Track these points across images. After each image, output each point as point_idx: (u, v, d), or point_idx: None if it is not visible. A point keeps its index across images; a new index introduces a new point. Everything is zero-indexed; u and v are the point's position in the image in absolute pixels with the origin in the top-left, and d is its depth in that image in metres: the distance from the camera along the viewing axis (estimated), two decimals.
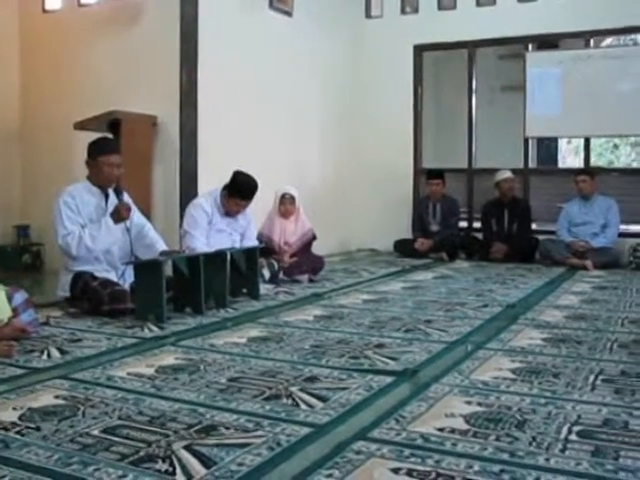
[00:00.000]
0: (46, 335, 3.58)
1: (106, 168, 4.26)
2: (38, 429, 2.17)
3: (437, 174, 7.80)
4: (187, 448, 2.01)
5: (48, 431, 2.16)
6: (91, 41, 6.26)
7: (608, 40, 9.54)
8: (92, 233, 4.17)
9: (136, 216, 4.50)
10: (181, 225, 5.11)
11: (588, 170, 7.50)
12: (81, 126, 5.59)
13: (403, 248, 7.74)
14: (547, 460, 1.92)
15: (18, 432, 2.15)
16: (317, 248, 6.10)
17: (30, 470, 1.86)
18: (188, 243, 4.88)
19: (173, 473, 1.84)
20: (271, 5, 6.94)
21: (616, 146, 15.49)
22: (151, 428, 2.19)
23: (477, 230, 7.95)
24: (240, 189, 4.98)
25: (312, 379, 2.75)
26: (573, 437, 2.09)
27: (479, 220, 7.89)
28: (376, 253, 8.19)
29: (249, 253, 4.82)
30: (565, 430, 2.15)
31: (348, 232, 8.46)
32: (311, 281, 5.60)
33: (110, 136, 5.25)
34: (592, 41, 7.80)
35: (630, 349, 3.28)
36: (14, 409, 2.37)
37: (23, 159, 6.78)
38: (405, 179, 8.42)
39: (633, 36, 9.27)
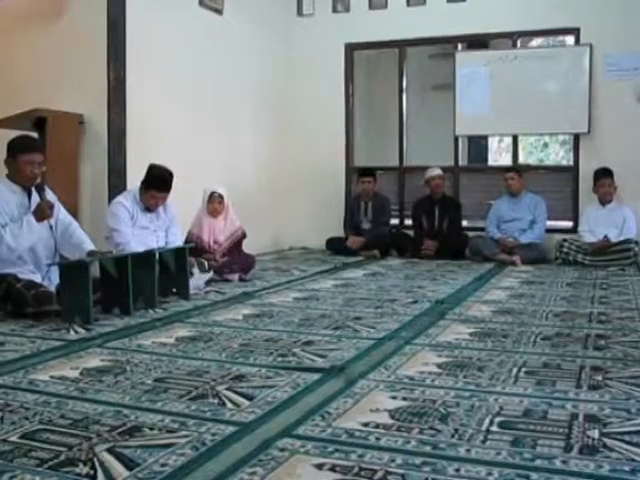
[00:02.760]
0: None
1: (27, 167, 4.17)
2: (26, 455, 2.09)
3: (368, 172, 7.86)
4: (109, 450, 1.98)
5: None
6: (13, 36, 6.08)
7: (536, 41, 9.76)
8: (14, 232, 4.07)
9: (61, 214, 4.41)
10: None
11: (516, 168, 7.67)
12: (4, 124, 5.43)
13: (335, 246, 7.77)
14: (468, 451, 1.95)
15: None
16: (249, 247, 6.07)
17: None
18: (118, 240, 4.81)
19: (94, 477, 1.81)
20: (201, 2, 6.88)
21: (546, 145, 15.86)
22: (73, 431, 2.14)
23: (408, 227, 8.04)
24: (155, 181, 4.93)
25: (239, 378, 2.74)
26: (494, 428, 2.13)
27: (410, 217, 7.98)
28: (308, 251, 8.21)
29: (178, 252, 4.78)
30: (487, 421, 2.19)
31: (280, 230, 8.45)
32: (242, 280, 5.58)
33: (35, 134, 5.14)
34: (519, 42, 7.97)
35: (553, 341, 3.37)
36: None
37: None
38: (337, 177, 8.46)
39: (561, 37, 9.52)
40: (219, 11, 7.15)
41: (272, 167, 8.24)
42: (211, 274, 5.35)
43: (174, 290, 4.73)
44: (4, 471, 1.84)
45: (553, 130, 8.45)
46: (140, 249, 4.59)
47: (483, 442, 2.02)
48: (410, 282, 5.56)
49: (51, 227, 4.25)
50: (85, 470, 1.84)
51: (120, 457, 1.93)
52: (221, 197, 5.70)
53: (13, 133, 4.75)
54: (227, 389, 2.58)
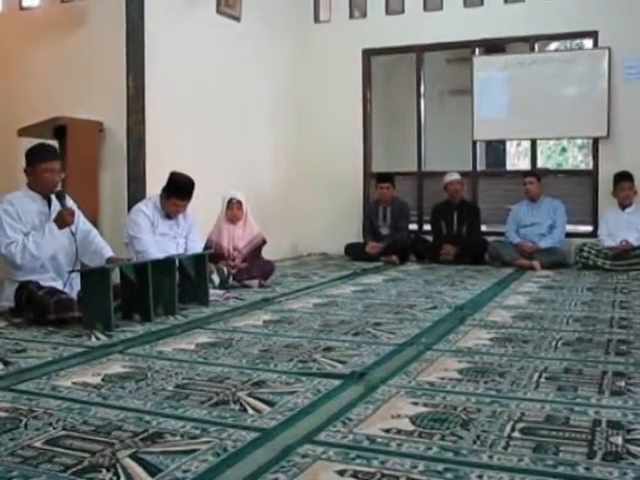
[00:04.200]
0: None
1: (46, 174, 4.21)
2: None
3: (387, 177, 7.85)
4: (132, 456, 1.99)
5: None
6: (34, 45, 6.16)
7: (553, 45, 9.73)
8: (36, 240, 4.11)
9: (82, 222, 4.45)
10: None
11: (535, 172, 7.64)
12: (25, 133, 5.51)
13: (354, 252, 7.77)
14: (490, 457, 1.94)
15: None
16: (268, 253, 6.09)
17: None
18: (138, 247, 4.84)
19: None
20: (218, 10, 6.91)
21: (564, 149, 15.79)
22: (96, 437, 2.15)
23: (427, 232, 8.02)
24: (177, 189, 4.95)
25: (260, 384, 2.75)
26: (516, 434, 2.13)
27: (429, 222, 7.96)
28: (327, 257, 8.21)
29: (198, 259, 4.80)
30: (508, 428, 2.18)
31: (299, 236, 8.47)
32: (261, 286, 5.59)
33: (55, 143, 5.19)
34: (537, 46, 7.94)
35: (574, 347, 3.35)
36: None
37: None
38: (355, 183, 8.47)
39: (578, 41, 9.48)
40: (236, 18, 7.18)
41: (290, 173, 8.26)
42: (231, 280, 5.39)
43: (194, 296, 4.75)
44: (30, 476, 1.86)
45: (572, 134, 8.40)
46: (160, 256, 4.62)
47: (505, 448, 2.01)
48: (429, 287, 5.55)
49: (72, 234, 4.28)
50: (108, 476, 1.86)
51: (143, 463, 1.94)
52: (240, 203, 5.72)
53: (35, 142, 4.80)
54: (248, 395, 2.58)
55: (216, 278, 5.23)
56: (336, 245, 8.11)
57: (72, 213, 4.26)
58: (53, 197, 4.28)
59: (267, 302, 4.88)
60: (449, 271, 6.65)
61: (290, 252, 8.20)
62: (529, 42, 7.88)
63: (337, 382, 2.75)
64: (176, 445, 2.08)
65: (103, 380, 2.84)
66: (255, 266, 5.69)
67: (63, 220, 4.19)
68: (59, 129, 5.44)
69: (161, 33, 6.00)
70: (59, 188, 4.33)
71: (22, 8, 6.38)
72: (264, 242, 5.87)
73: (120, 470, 1.89)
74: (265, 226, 6.08)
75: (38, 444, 2.10)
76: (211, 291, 4.88)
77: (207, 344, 3.52)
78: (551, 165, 15.05)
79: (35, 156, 4.26)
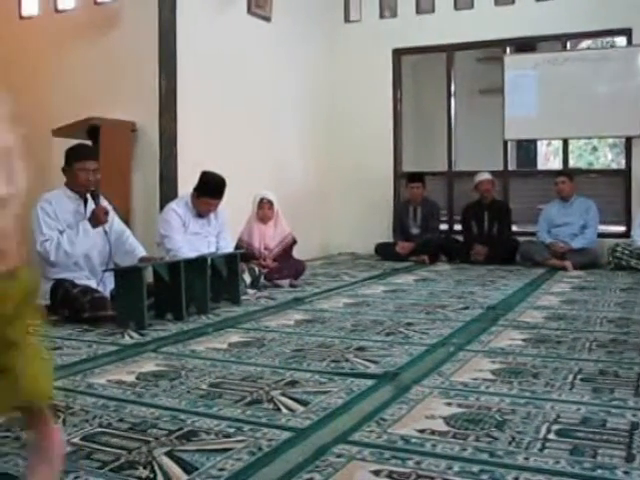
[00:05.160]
0: None
1: (82, 174, 4.27)
2: (17, 439, 2.16)
3: (417, 177, 7.82)
4: (168, 454, 2.01)
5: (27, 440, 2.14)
6: (69, 47, 6.24)
7: (585, 43, 9.63)
8: (70, 238, 4.17)
9: (115, 222, 4.51)
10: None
11: (567, 172, 7.58)
12: (60, 133, 5.57)
13: (384, 251, 7.76)
14: (526, 459, 1.93)
15: None
16: (298, 252, 6.10)
17: (7, 479, 1.85)
18: (170, 246, 4.88)
19: (154, 479, 1.84)
20: (249, 10, 6.94)
21: (595, 148, 15.63)
22: (132, 435, 2.18)
23: (458, 232, 7.98)
24: (209, 188, 4.99)
25: (293, 383, 2.76)
26: (552, 436, 2.11)
27: (459, 222, 7.92)
28: (357, 257, 8.21)
29: (230, 258, 4.82)
30: (544, 429, 2.17)
31: (329, 236, 8.47)
32: (292, 286, 5.60)
33: (89, 142, 5.24)
34: (569, 44, 7.87)
35: (608, 348, 3.32)
36: None
37: None
38: (385, 182, 8.45)
39: (609, 39, 9.38)
40: (267, 18, 7.21)
41: (321, 173, 8.27)
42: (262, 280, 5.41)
43: (225, 295, 4.77)
44: (69, 471, 1.89)
45: (604, 133, 8.30)
46: (191, 255, 4.65)
47: (541, 450, 2.00)
48: (460, 288, 5.53)
49: (106, 233, 4.34)
50: (145, 473, 1.88)
51: (178, 461, 1.96)
52: (271, 203, 5.74)
53: (69, 141, 4.86)
54: (281, 394, 2.60)
55: (247, 277, 5.25)
56: (366, 245, 8.10)
57: (106, 212, 4.31)
58: (89, 196, 4.34)
59: (298, 301, 4.89)
60: (480, 271, 6.61)
61: (320, 252, 8.21)
62: (561, 40, 7.81)
63: (370, 382, 2.76)
64: (211, 443, 2.10)
65: (137, 378, 2.88)
66: (286, 266, 5.71)
67: (97, 219, 4.25)
68: (92, 129, 5.49)
69: (193, 34, 6.04)
70: (94, 188, 4.38)
71: (57, 11, 6.45)
72: (294, 242, 5.88)
73: (156, 467, 1.92)
74: (295, 226, 6.10)
75: (76, 440, 2.14)
76: (242, 290, 4.91)
77: (240, 343, 3.54)
78: (582, 164, 14.90)
79: (73, 156, 4.33)
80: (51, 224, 4.19)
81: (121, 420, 2.33)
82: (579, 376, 2.81)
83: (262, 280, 5.48)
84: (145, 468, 1.91)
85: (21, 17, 6.67)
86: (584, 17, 7.47)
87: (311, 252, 7.64)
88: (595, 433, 2.13)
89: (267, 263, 5.62)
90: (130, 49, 5.88)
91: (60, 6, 6.43)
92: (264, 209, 5.72)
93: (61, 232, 4.20)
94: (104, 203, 4.40)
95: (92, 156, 4.43)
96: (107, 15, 6.05)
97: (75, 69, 6.16)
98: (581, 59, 7.72)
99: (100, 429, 2.24)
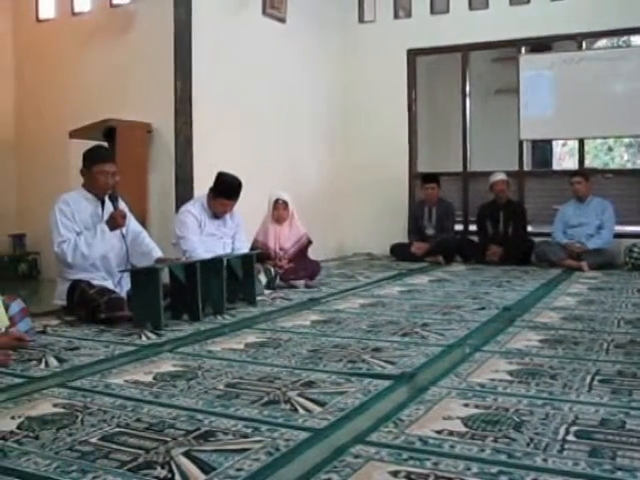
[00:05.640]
0: (43, 344, 3.58)
1: (101, 176, 4.28)
2: (37, 438, 2.17)
3: (432, 178, 7.81)
4: (186, 454, 2.01)
5: (47, 440, 2.16)
6: (85, 49, 6.29)
7: (601, 42, 9.59)
8: (87, 240, 4.18)
9: (132, 223, 4.52)
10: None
11: (583, 172, 7.53)
12: (76, 135, 5.60)
13: (399, 252, 7.75)
14: (545, 461, 1.92)
15: (17, 441, 2.15)
16: (313, 253, 6.10)
17: (30, 478, 1.86)
18: (185, 247, 4.90)
19: (172, 479, 1.85)
20: (264, 12, 6.96)
21: (610, 148, 15.55)
22: (149, 435, 2.19)
23: (473, 233, 7.97)
24: (225, 189, 5.00)
25: (310, 384, 2.75)
26: (570, 437, 2.10)
27: (475, 223, 7.90)
28: (372, 257, 8.20)
29: (246, 259, 4.83)
30: (562, 431, 2.16)
31: (344, 236, 8.48)
32: (308, 286, 5.60)
33: (105, 144, 5.27)
34: (584, 43, 7.83)
35: (626, 349, 3.29)
36: (12, 418, 2.37)
37: (18, 168, 6.79)
38: (400, 183, 8.44)
39: (625, 37, 9.33)
40: (282, 20, 7.22)
41: (335, 174, 8.28)
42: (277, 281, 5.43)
43: (241, 296, 4.78)
44: (88, 471, 1.90)
45: (621, 133, 8.27)
46: (207, 256, 4.67)
47: (560, 452, 1.99)
48: (476, 288, 5.51)
49: (123, 236, 4.35)
50: (163, 473, 1.88)
51: (196, 461, 1.96)
52: (285, 203, 5.74)
53: (86, 143, 4.89)
54: (298, 395, 2.59)
55: (263, 278, 5.26)
56: (381, 245, 8.10)
57: (124, 216, 4.32)
58: (106, 199, 4.36)
59: (314, 302, 4.89)
60: (495, 272, 6.59)
61: (335, 252, 8.22)
62: (576, 40, 7.77)
63: (387, 383, 2.75)
64: (228, 444, 2.10)
65: (155, 378, 2.88)
66: (301, 266, 5.71)
67: (115, 222, 4.26)
68: (109, 131, 5.52)
69: (208, 36, 6.06)
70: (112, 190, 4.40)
71: (74, 13, 6.50)
72: (310, 242, 5.89)
73: (174, 467, 1.92)
74: (310, 226, 6.10)
75: (94, 440, 2.14)
76: (258, 291, 4.91)
77: (256, 344, 3.54)
78: (597, 164, 14.82)
79: (91, 158, 4.34)
80: (68, 225, 4.21)
81: (139, 420, 2.33)
82: (597, 377, 2.79)
83: (278, 281, 5.48)
84: (163, 468, 1.92)
85: (38, 20, 6.72)
86: (600, 16, 7.43)
87: (326, 253, 7.65)
88: (614, 435, 2.12)
89: (282, 264, 5.62)
90: (146, 51, 5.91)
91: (77, 9, 6.49)
92: (279, 210, 5.73)
93: (78, 234, 4.22)
94: (122, 206, 4.42)
95: (111, 159, 4.45)
96: (123, 17, 6.08)
97: (91, 71, 6.20)
98: (597, 58, 7.69)
99: (118, 429, 2.24)
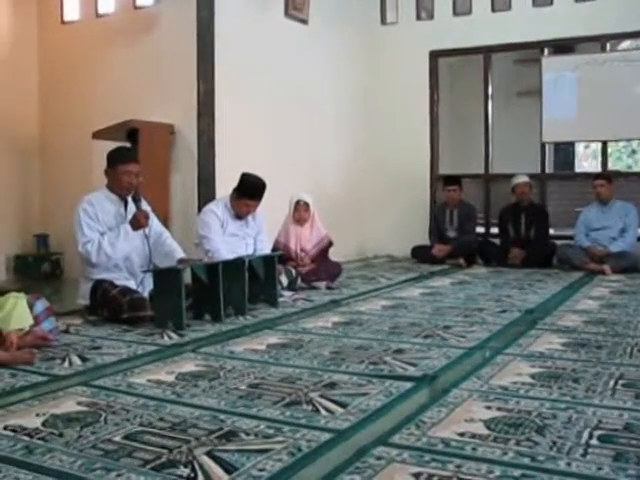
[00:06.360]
0: (67, 342, 3.62)
1: (124, 177, 4.31)
2: (61, 435, 2.20)
3: (454, 180, 7.78)
4: (208, 454, 2.02)
5: (71, 437, 2.18)
6: (109, 51, 6.34)
7: (625, 43, 9.50)
8: (111, 240, 4.21)
9: (155, 224, 4.55)
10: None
11: (606, 174, 7.47)
12: (99, 136, 5.65)
13: (420, 254, 7.73)
14: (568, 465, 1.91)
15: (42, 438, 2.17)
16: (334, 254, 6.11)
17: (54, 475, 1.88)
18: (208, 247, 4.92)
19: (195, 478, 1.86)
20: (287, 13, 6.98)
21: (634, 151, 15.42)
22: (172, 434, 2.20)
23: (494, 236, 7.93)
24: (249, 190, 5.01)
25: (332, 385, 2.76)
26: (594, 442, 2.08)
27: (496, 225, 7.87)
28: (393, 259, 8.19)
29: (267, 260, 4.84)
30: (586, 435, 2.14)
31: (365, 238, 8.47)
32: (329, 288, 5.61)
33: (128, 145, 5.30)
34: (608, 45, 7.77)
35: None
36: (37, 415, 2.40)
37: (42, 169, 6.86)
38: (422, 185, 8.42)
39: None
40: (304, 21, 7.24)
41: (357, 175, 8.27)
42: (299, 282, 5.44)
43: (262, 297, 4.79)
44: (111, 469, 1.92)
45: None
46: (229, 256, 4.68)
47: (583, 456, 1.97)
48: (498, 291, 5.49)
49: (146, 236, 4.38)
50: (186, 472, 1.89)
51: (219, 461, 1.97)
52: (307, 205, 5.75)
53: (109, 144, 4.93)
54: (320, 396, 2.60)
55: (284, 279, 5.26)
56: (402, 247, 8.09)
57: (147, 216, 4.35)
58: (130, 199, 4.39)
59: (335, 304, 4.89)
60: (517, 275, 6.55)
61: (356, 254, 8.21)
62: (600, 41, 7.72)
63: (409, 384, 2.75)
64: (251, 444, 2.11)
65: (177, 378, 2.90)
66: (322, 268, 5.72)
67: (138, 222, 4.29)
68: (132, 132, 5.57)
69: (230, 37, 6.09)
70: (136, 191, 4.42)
71: (98, 15, 6.55)
72: (331, 244, 5.88)
73: (197, 467, 1.93)
74: (331, 228, 6.10)
75: (117, 438, 2.16)
76: (280, 292, 4.93)
77: (278, 345, 3.55)
78: (620, 167, 14.70)
79: (115, 158, 4.37)
80: (92, 226, 4.24)
81: (161, 419, 2.35)
82: (620, 381, 2.76)
83: (299, 282, 5.49)
84: (186, 467, 1.93)
85: (63, 22, 6.79)
86: (624, 17, 7.38)
87: (347, 254, 7.65)
88: (639, 440, 2.10)
89: (304, 265, 5.63)
90: (168, 52, 5.95)
91: (100, 10, 6.54)
92: (300, 211, 5.73)
93: (102, 234, 4.25)
94: (145, 206, 4.44)
95: (135, 159, 4.47)
96: (146, 18, 6.13)
97: (115, 72, 6.25)
98: (621, 60, 7.62)
99: (141, 428, 2.26)
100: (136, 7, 6.31)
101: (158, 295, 4.07)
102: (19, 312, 3.34)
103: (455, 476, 1.84)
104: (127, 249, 4.30)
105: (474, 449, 2.04)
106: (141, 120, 5.63)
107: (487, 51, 8.22)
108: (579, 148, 13.90)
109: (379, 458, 1.98)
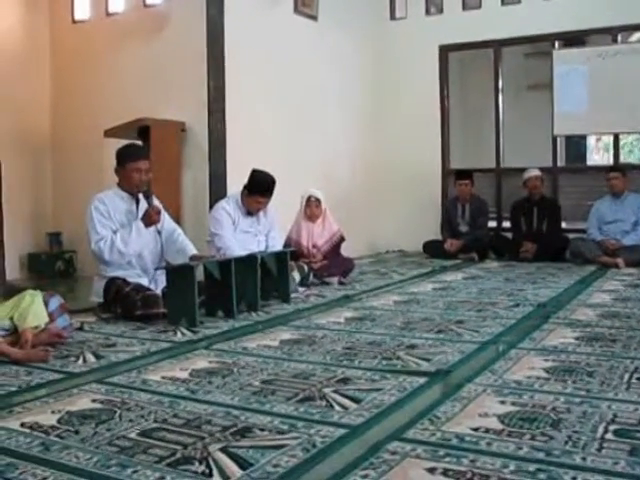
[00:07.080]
0: (81, 340, 3.63)
1: (134, 174, 4.31)
2: (77, 432, 2.21)
3: (466, 174, 7.76)
4: (223, 450, 2.03)
5: (86, 434, 2.19)
6: (120, 50, 6.36)
7: (636, 35, 9.44)
8: (124, 237, 4.22)
9: (166, 221, 4.56)
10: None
11: (620, 167, 7.43)
12: (111, 134, 5.67)
13: (432, 249, 7.72)
14: (584, 459, 1.90)
15: (58, 435, 2.19)
16: (346, 250, 6.11)
17: (71, 472, 1.89)
18: (220, 244, 4.93)
19: (210, 475, 1.86)
20: (296, 9, 6.98)
21: None
22: (187, 431, 2.21)
23: (506, 230, 7.90)
24: (259, 186, 5.02)
25: (345, 380, 2.76)
26: (609, 436, 2.07)
27: (508, 219, 7.84)
28: (405, 254, 8.18)
29: (279, 256, 4.85)
30: (601, 429, 2.13)
31: (377, 234, 8.46)
32: (341, 283, 5.61)
33: (140, 143, 5.32)
34: (620, 37, 7.72)
35: None
36: (53, 412, 2.41)
37: (54, 167, 6.89)
38: (433, 180, 8.41)
39: None
40: (314, 17, 7.23)
41: (368, 171, 8.27)
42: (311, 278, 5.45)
43: (275, 293, 4.80)
44: (127, 465, 1.93)
45: None
46: (241, 253, 4.69)
47: (599, 450, 1.96)
48: (510, 285, 5.47)
49: (158, 233, 4.39)
50: (201, 468, 1.90)
51: (233, 457, 1.98)
52: (318, 201, 5.75)
53: (121, 142, 4.93)
54: (334, 392, 2.60)
55: (297, 275, 5.27)
56: (414, 242, 8.07)
57: (158, 212, 4.36)
58: (141, 196, 4.40)
59: (348, 299, 4.90)
60: (530, 269, 6.54)
61: (368, 249, 8.21)
62: (611, 33, 7.67)
63: (422, 380, 2.75)
64: (265, 440, 2.11)
65: (191, 375, 2.91)
66: (334, 263, 5.72)
67: (150, 219, 4.29)
68: (143, 130, 5.58)
69: (240, 34, 6.09)
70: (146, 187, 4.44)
71: (108, 14, 6.57)
72: (342, 239, 5.89)
73: (212, 463, 1.93)
74: (343, 223, 6.10)
75: (132, 435, 2.17)
76: (292, 288, 4.93)
77: (291, 341, 3.56)
78: (633, 159, 14.61)
79: (125, 156, 4.37)
80: (105, 223, 4.25)
81: (176, 416, 2.36)
82: (635, 375, 2.75)
83: (311, 278, 5.50)
84: (201, 463, 1.93)
85: (74, 21, 6.81)
86: (636, 9, 7.33)
87: (359, 250, 7.65)
88: None
89: (316, 261, 5.63)
90: (179, 50, 5.96)
91: (111, 9, 6.56)
92: (312, 207, 5.74)
93: (114, 232, 4.26)
94: (156, 203, 4.45)
95: (144, 156, 4.47)
96: (156, 17, 6.14)
97: (126, 71, 6.27)
98: (633, 52, 7.58)
99: (156, 424, 2.27)
100: (146, 6, 6.32)
101: (171, 292, 4.09)
102: (35, 309, 3.37)
103: (470, 471, 1.84)
104: (139, 246, 4.31)
105: (489, 444, 2.04)
106: (152, 118, 5.65)
107: (497, 45, 8.19)
108: (591, 141, 13.81)
109: (393, 453, 1.98)
